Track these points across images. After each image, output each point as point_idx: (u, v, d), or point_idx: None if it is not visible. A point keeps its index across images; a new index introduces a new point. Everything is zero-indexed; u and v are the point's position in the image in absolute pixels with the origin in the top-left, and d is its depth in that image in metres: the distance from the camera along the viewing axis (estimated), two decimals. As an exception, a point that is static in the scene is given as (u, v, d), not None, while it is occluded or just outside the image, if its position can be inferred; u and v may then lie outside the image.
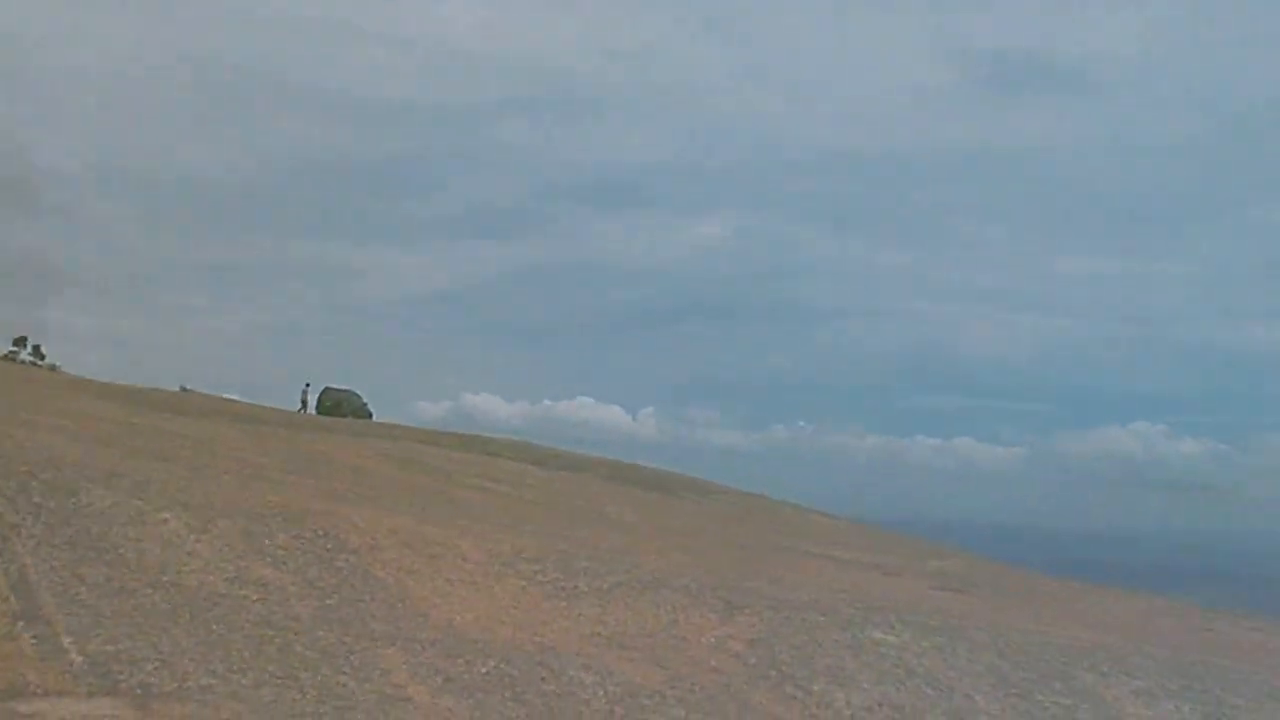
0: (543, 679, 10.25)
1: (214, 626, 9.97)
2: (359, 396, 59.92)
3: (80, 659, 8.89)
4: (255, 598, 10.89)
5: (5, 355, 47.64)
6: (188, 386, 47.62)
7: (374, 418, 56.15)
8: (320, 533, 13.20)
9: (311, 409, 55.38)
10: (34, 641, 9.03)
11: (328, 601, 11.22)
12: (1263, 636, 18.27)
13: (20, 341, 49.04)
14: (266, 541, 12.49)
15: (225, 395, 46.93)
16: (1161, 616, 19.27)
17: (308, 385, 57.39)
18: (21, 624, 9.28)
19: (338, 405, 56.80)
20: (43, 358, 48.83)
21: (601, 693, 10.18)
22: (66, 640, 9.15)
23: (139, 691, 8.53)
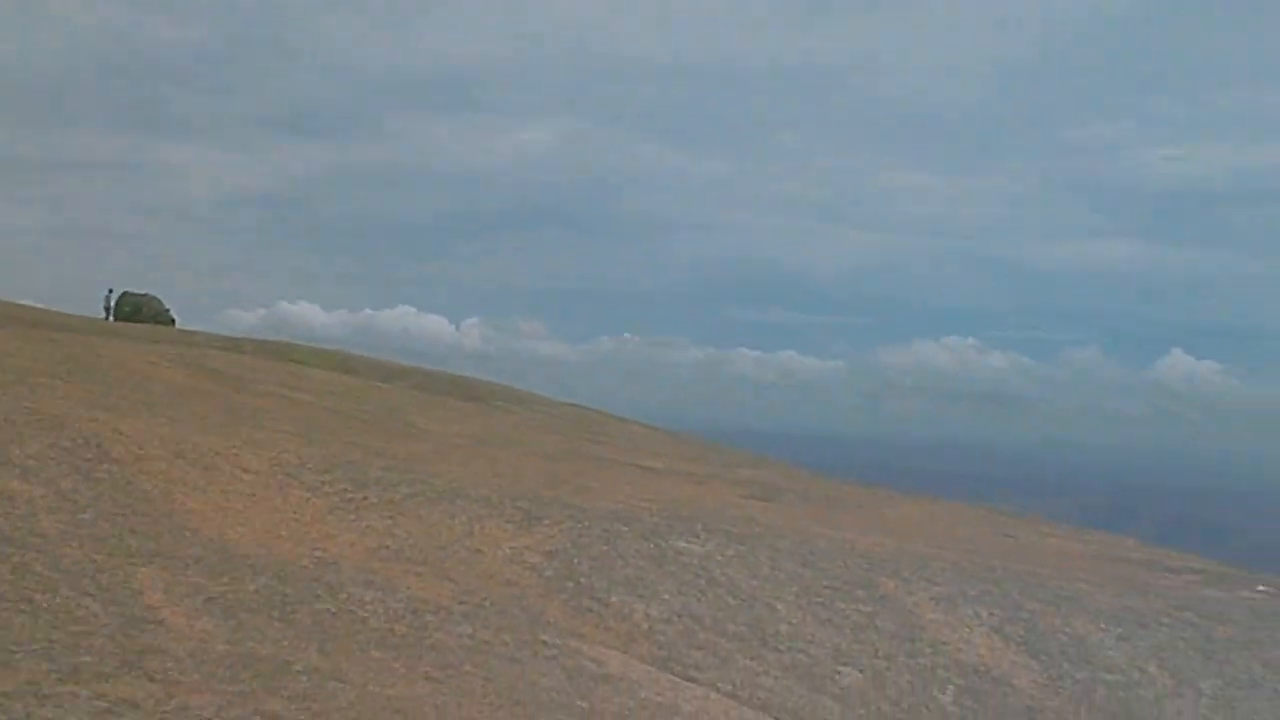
0: (318, 596, 9.46)
1: (-61, 545, 8.90)
2: (159, 301, 57.04)
3: None
4: (-6, 512, 9.77)
5: None
6: (-28, 290, 44.68)
7: (177, 324, 53.84)
8: (81, 441, 12.05)
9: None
10: None
11: (81, 516, 10.15)
12: (1060, 542, 18.57)
13: None
14: (16, 450, 11.30)
15: (20, 301, 44.15)
16: (965, 524, 19.42)
17: (110, 291, 54.51)
18: None
19: (137, 310, 53.96)
20: None
21: (382, 609, 9.44)
22: None
23: None
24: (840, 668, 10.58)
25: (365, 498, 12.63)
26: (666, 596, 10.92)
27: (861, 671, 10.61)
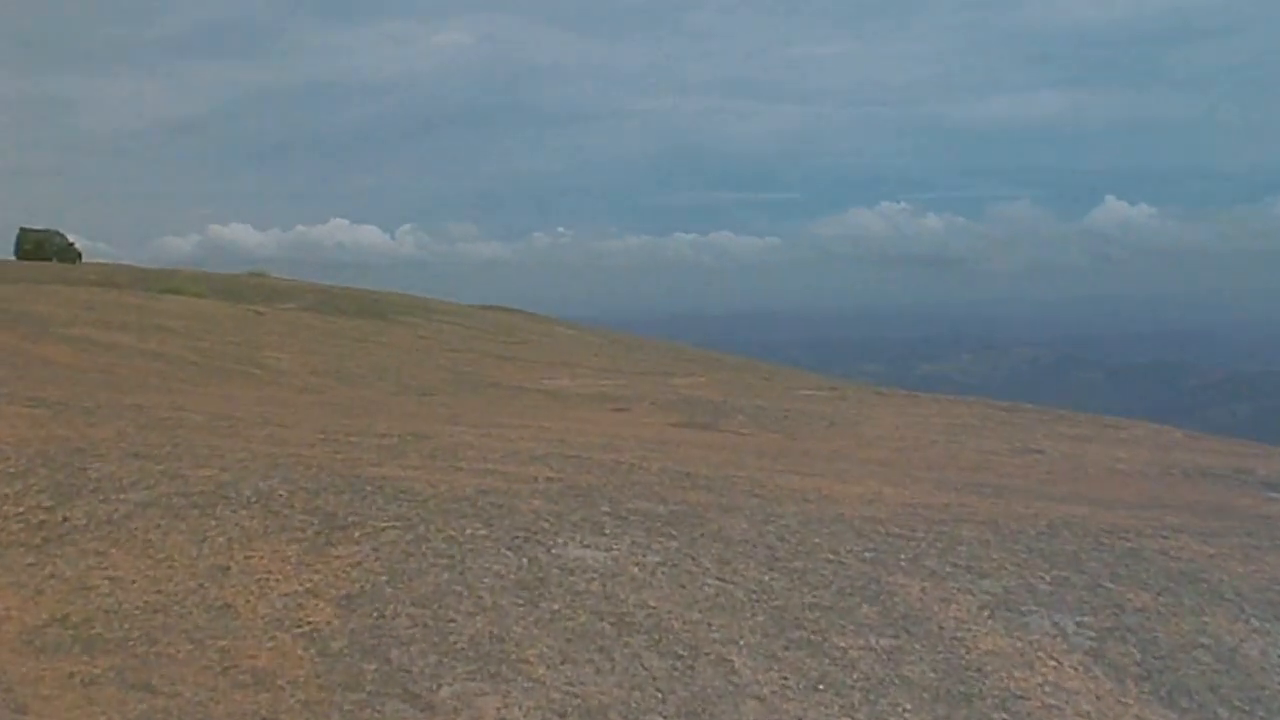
0: None
1: None
2: (62, 236, 52.78)
3: None
4: None
5: None
6: None
7: (83, 259, 50.04)
8: None
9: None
10: None
11: None
12: (1101, 451, 14.14)
13: None
14: None
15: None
16: (968, 436, 14.93)
17: (22, 230, 50.55)
18: None
19: (39, 247, 49.57)
20: None
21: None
22: None
23: None
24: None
25: (65, 519, 7.88)
26: (542, 671, 6.26)
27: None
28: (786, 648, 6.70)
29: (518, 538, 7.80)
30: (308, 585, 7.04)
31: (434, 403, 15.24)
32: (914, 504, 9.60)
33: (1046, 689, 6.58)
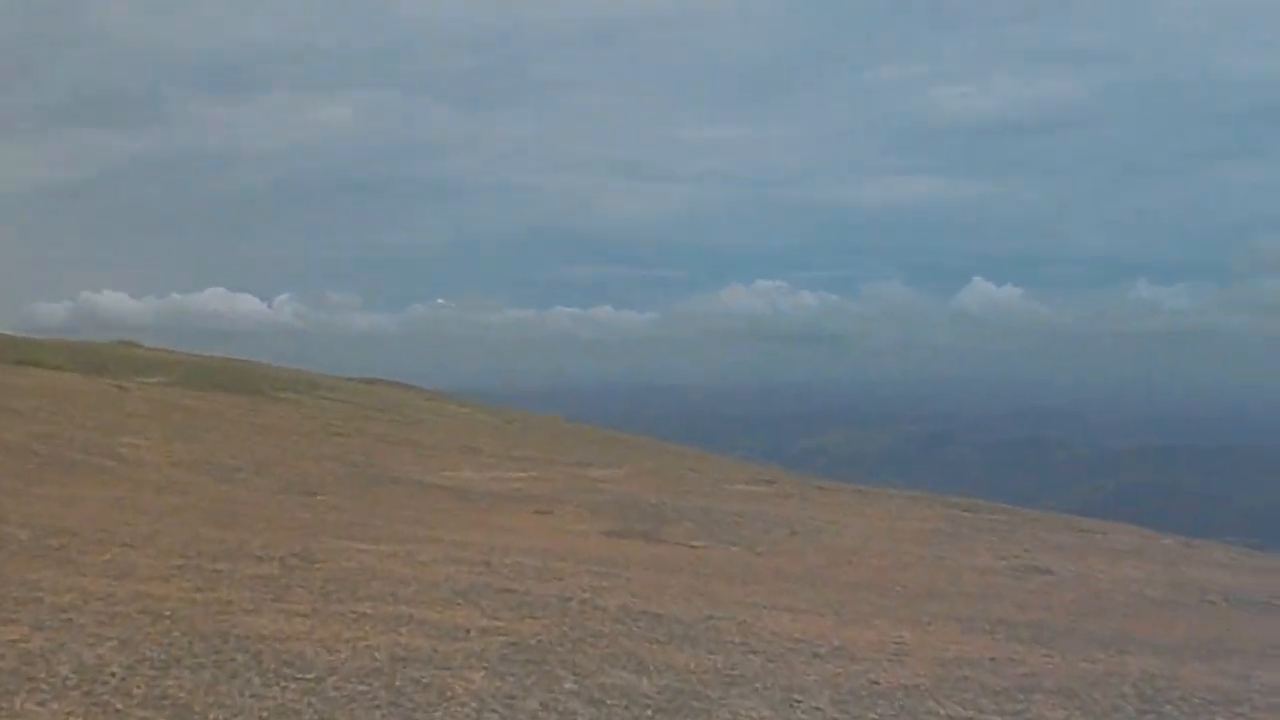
0: None
1: None
2: None
3: None
4: None
5: None
6: None
7: None
8: None
9: None
10: None
11: None
12: (1099, 567, 12.07)
13: None
14: None
15: None
16: (948, 546, 12.76)
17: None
18: None
19: None
20: None
21: None
22: None
23: None
24: None
25: None
26: None
27: None
28: None
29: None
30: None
31: (322, 505, 12.67)
32: (952, 659, 7.34)
33: None
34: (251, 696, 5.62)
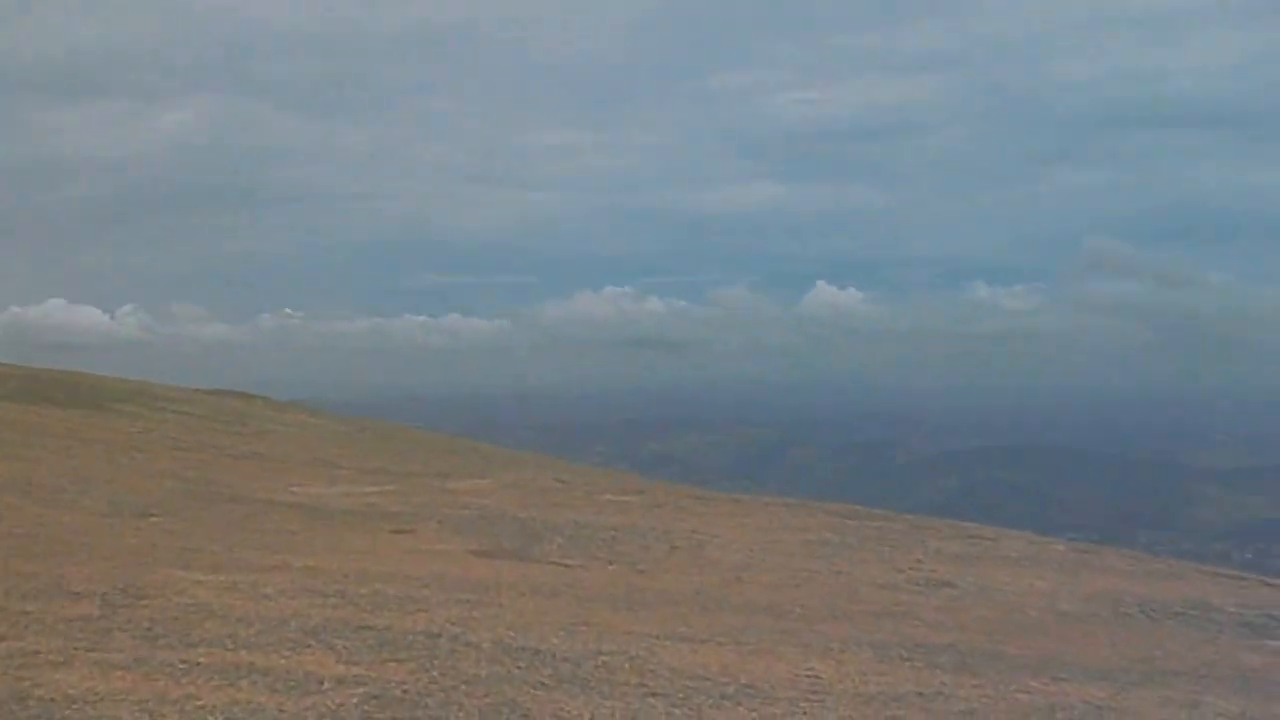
0: None
1: None
2: None
3: None
4: None
5: None
6: None
7: None
8: None
9: None
10: None
11: None
12: (1019, 579, 11.37)
13: None
14: None
15: None
16: (853, 555, 11.89)
17: None
18: None
19: None
20: None
21: None
22: None
23: None
24: None
25: None
26: None
27: None
28: None
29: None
30: None
31: (155, 529, 11.28)
32: (876, 695, 6.49)
33: None
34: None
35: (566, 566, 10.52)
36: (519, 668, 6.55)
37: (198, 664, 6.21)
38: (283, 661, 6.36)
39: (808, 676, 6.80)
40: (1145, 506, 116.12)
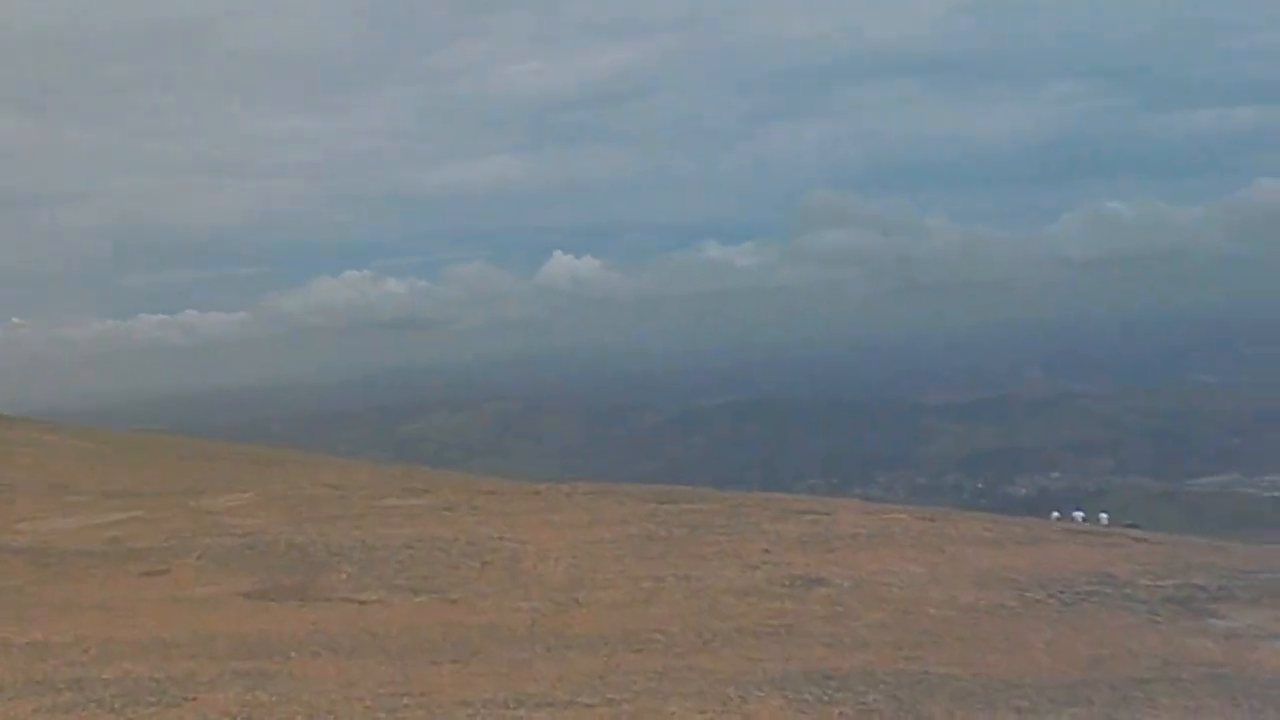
0: None
1: None
2: None
3: None
4: None
5: None
6: None
7: None
8: None
9: None
10: None
11: None
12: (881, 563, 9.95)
13: None
14: None
15: None
16: (694, 552, 10.28)
17: None
18: None
19: None
20: None
21: None
22: None
23: None
24: None
25: None
26: None
27: None
28: None
29: None
30: None
31: None
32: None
33: None
34: None
35: (362, 604, 8.52)
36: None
37: None
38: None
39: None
40: (882, 447, 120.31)
